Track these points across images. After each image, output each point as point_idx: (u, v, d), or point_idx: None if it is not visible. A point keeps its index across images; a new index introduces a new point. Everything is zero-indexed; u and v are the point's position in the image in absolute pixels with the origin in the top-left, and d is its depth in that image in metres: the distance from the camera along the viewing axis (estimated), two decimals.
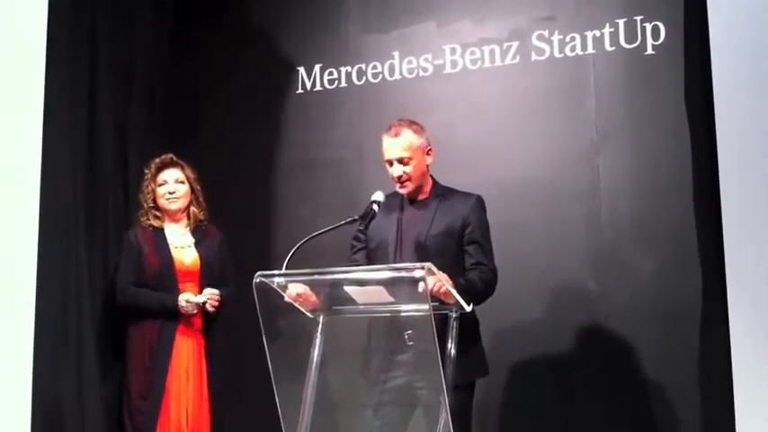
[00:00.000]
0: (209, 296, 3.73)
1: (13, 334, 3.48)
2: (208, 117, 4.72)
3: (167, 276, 3.75)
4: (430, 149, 3.18)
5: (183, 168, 3.91)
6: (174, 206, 3.87)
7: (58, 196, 3.80)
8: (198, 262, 3.82)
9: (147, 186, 3.88)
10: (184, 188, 3.89)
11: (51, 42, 3.72)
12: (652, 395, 3.76)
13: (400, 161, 3.11)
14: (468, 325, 2.94)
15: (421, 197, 3.20)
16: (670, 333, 3.73)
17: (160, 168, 3.89)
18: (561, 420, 3.85)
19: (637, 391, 3.78)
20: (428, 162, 3.18)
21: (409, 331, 2.93)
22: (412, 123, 3.17)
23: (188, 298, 3.71)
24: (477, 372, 3.11)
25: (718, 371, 3.53)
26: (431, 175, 3.23)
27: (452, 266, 2.92)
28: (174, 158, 3.92)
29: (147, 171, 3.91)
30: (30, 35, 3.65)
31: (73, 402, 3.82)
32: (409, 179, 3.12)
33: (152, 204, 3.87)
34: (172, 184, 3.86)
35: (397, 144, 3.11)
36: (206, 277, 3.82)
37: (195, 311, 3.73)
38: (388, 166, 3.16)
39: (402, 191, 3.16)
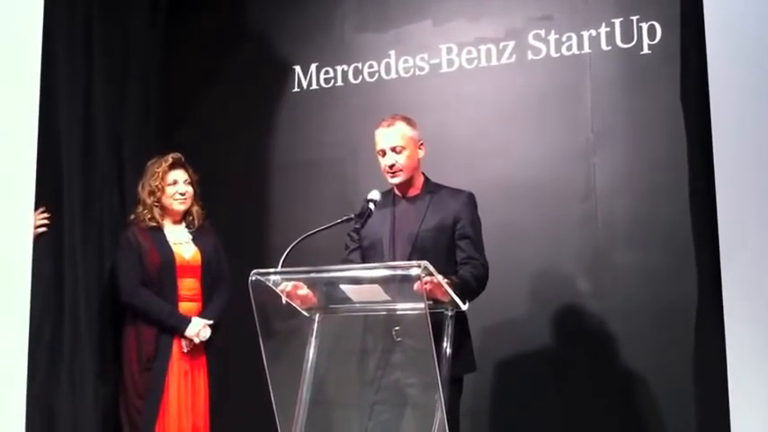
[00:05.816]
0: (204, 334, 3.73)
1: (7, 336, 3.46)
2: (203, 116, 4.70)
3: (169, 271, 3.73)
4: (422, 143, 3.21)
5: (186, 169, 3.88)
6: (182, 207, 3.84)
7: (52, 197, 3.77)
8: (198, 256, 3.81)
9: (158, 183, 3.80)
10: (191, 190, 3.87)
11: (46, 43, 3.70)
12: (646, 395, 3.76)
13: (393, 149, 3.13)
14: (458, 321, 2.94)
15: (412, 193, 3.21)
16: (665, 334, 3.73)
17: (171, 167, 3.84)
18: (554, 420, 3.85)
19: (631, 391, 3.79)
20: (420, 156, 3.20)
21: (397, 327, 2.93)
22: (405, 117, 3.20)
23: (200, 335, 3.71)
24: (465, 367, 3.10)
25: (713, 371, 3.51)
26: (422, 172, 3.24)
27: (445, 262, 2.95)
28: (183, 159, 3.88)
29: (157, 169, 3.82)
30: (25, 37, 3.63)
31: (67, 402, 3.80)
32: (401, 169, 3.13)
33: (157, 202, 3.82)
34: (182, 185, 3.83)
35: (390, 133, 3.14)
36: (206, 272, 3.81)
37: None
38: (380, 156, 3.18)
39: (393, 180, 3.17)
